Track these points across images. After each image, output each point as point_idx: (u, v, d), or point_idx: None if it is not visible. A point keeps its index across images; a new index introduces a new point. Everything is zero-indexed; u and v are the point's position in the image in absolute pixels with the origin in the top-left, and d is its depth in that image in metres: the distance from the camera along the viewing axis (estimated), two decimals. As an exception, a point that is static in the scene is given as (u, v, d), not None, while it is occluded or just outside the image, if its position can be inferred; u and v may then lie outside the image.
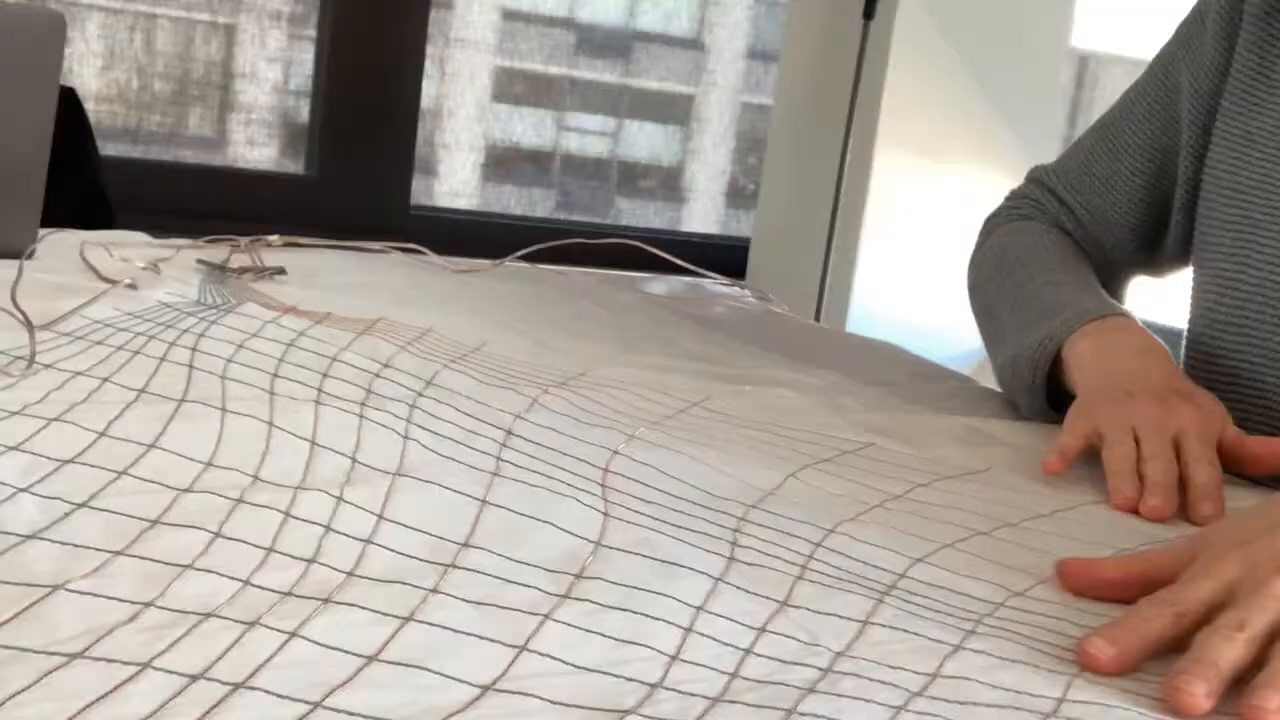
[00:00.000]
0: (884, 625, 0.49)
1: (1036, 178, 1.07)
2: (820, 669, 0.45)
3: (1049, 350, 0.85)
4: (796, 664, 0.45)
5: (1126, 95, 1.02)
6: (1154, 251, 1.00)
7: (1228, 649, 0.47)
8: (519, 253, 0.98)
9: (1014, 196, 1.09)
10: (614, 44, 3.12)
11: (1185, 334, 0.95)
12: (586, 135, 3.12)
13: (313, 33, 2.15)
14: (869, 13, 2.12)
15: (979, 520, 0.62)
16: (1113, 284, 1.02)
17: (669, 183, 3.12)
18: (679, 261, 1.05)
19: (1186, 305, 0.94)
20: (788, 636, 0.47)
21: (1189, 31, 0.97)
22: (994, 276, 1.00)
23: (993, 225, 1.08)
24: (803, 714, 0.41)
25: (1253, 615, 0.48)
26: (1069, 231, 1.02)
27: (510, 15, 2.82)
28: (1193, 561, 0.53)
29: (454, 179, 2.77)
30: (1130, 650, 0.48)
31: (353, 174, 1.95)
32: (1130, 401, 0.76)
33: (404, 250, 1.08)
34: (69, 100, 1.33)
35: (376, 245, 1.08)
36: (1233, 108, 0.90)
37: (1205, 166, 0.92)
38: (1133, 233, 1.00)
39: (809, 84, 2.30)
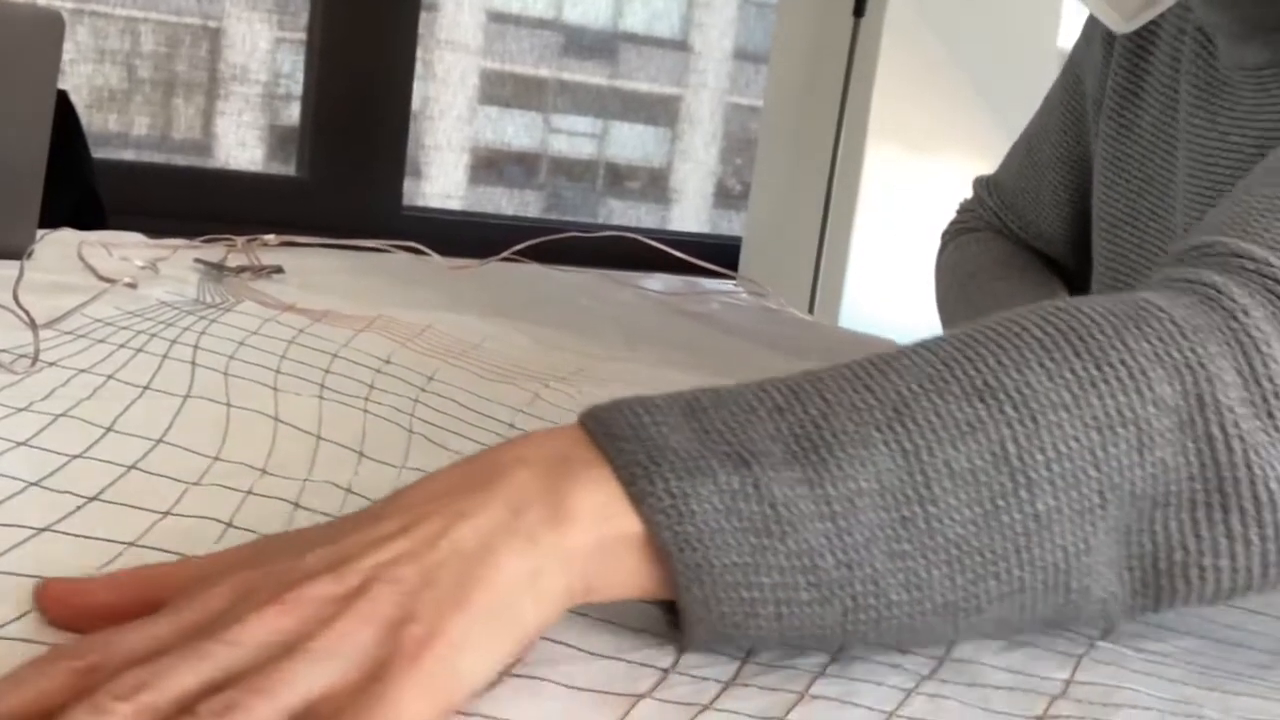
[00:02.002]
0: (892, 610, 0.49)
1: (977, 190, 1.06)
2: (830, 652, 0.45)
3: None
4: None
5: (1047, 99, 0.98)
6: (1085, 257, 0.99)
7: None
8: (515, 247, 0.98)
9: (962, 209, 1.08)
10: (601, 45, 3.12)
11: None
12: (574, 137, 3.13)
13: (301, 35, 2.16)
14: (859, 10, 2.13)
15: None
16: (1072, 280, 1.01)
17: (657, 184, 3.13)
18: (677, 254, 1.05)
19: None
20: (797, 622, 0.47)
21: (1087, 29, 0.92)
22: (952, 292, 1.01)
23: (945, 240, 1.08)
24: (815, 697, 0.42)
25: (164, 675, 0.34)
26: (1011, 239, 1.02)
27: (497, 17, 2.82)
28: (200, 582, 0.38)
29: (442, 181, 2.77)
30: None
31: (344, 176, 1.95)
32: None
33: (401, 248, 1.08)
34: (62, 102, 1.33)
35: (373, 243, 1.08)
36: (1106, 128, 0.85)
37: (1092, 189, 0.89)
38: (1068, 245, 0.97)
39: (800, 80, 2.30)
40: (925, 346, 0.45)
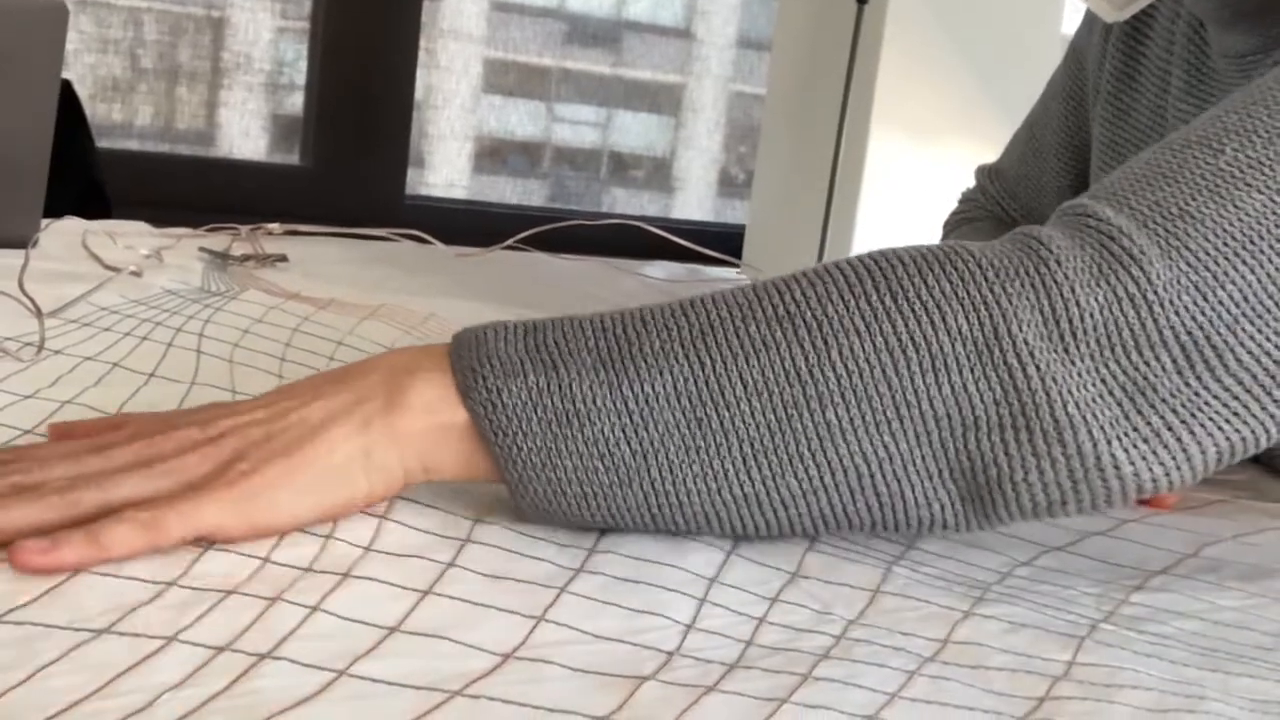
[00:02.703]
0: (894, 594, 0.50)
1: (979, 179, 1.06)
2: (834, 636, 0.45)
3: None
4: (810, 631, 0.45)
5: (1049, 86, 0.98)
6: None
7: None
8: (519, 235, 0.98)
9: (964, 199, 1.08)
10: (604, 34, 3.12)
11: None
12: (577, 125, 3.13)
13: (304, 24, 2.16)
14: (861, -2, 2.12)
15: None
16: None
17: (660, 172, 3.13)
18: (681, 241, 1.05)
19: None
20: (800, 605, 0.48)
21: (1089, 15, 0.92)
22: None
23: (945, 232, 1.08)
24: (818, 679, 0.42)
25: (44, 466, 0.46)
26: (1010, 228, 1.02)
27: (500, 6, 2.82)
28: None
29: (445, 170, 2.77)
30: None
31: (348, 165, 1.95)
32: None
33: (405, 237, 1.09)
34: (66, 92, 1.33)
35: (377, 232, 1.08)
36: (1103, 112, 0.85)
37: (1090, 171, 0.89)
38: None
39: (803, 67, 2.30)
40: (747, 286, 0.52)
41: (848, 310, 0.49)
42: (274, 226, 1.02)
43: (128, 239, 0.94)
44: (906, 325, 0.48)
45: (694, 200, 3.10)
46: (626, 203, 3.01)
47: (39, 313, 0.68)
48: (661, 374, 0.48)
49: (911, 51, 2.13)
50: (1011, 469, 0.48)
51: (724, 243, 1.21)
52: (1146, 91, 0.81)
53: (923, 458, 0.48)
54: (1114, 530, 0.60)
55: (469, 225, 1.47)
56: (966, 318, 0.48)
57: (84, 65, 2.11)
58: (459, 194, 2.66)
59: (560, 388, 0.49)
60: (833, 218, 2.15)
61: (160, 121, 2.23)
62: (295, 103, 2.25)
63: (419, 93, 2.26)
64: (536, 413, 0.48)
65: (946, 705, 0.41)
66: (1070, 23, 2.39)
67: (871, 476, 0.48)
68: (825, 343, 0.48)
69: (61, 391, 0.60)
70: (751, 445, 0.48)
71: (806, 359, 0.48)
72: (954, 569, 0.53)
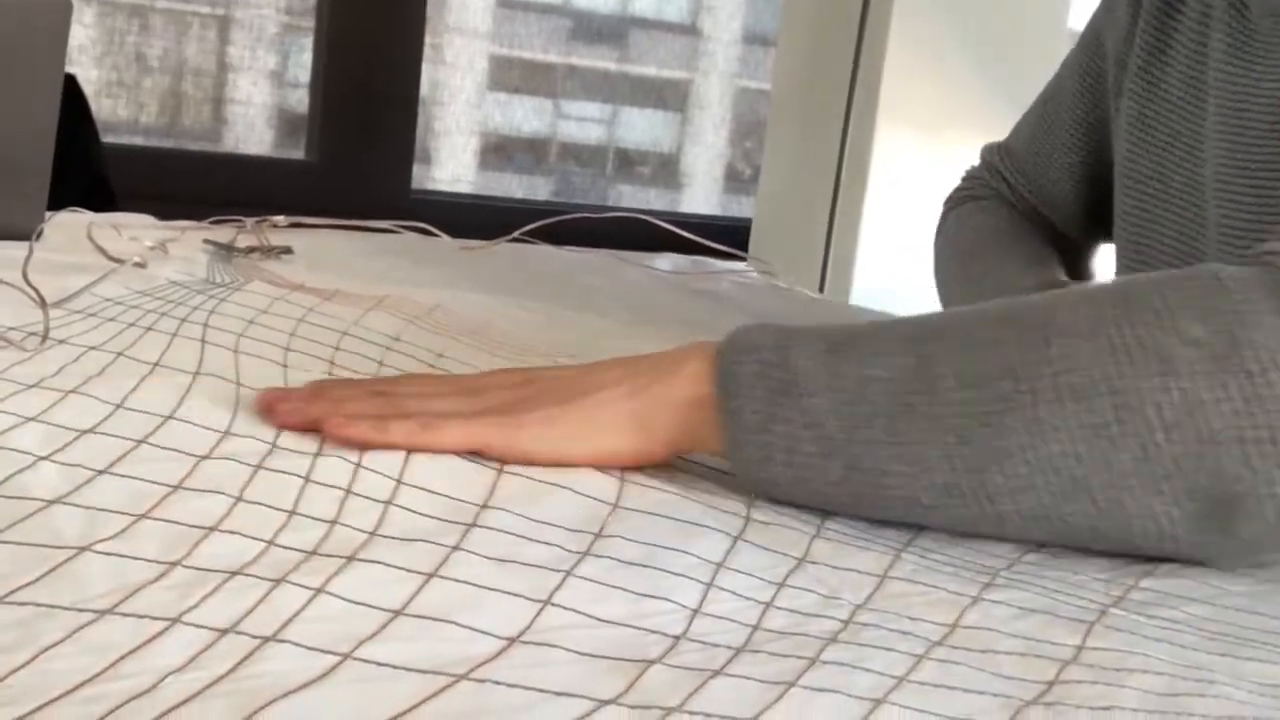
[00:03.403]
0: (902, 579, 0.49)
1: (986, 157, 1.05)
2: (841, 620, 0.45)
3: None
4: (817, 616, 0.45)
5: (1064, 63, 0.98)
6: (1108, 225, 0.97)
7: (364, 402, 0.56)
8: (525, 228, 0.98)
9: (968, 177, 1.07)
10: (610, 30, 3.12)
11: None
12: (583, 122, 3.13)
13: (308, 23, 2.16)
14: (867, -9, 2.11)
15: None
16: (1076, 255, 1.01)
17: (666, 168, 3.13)
18: (686, 234, 1.05)
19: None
20: (807, 590, 0.47)
21: None
22: (951, 263, 1.01)
23: (947, 209, 1.08)
24: (825, 662, 0.42)
25: (401, 386, 0.59)
26: (1016, 207, 1.01)
27: (505, 2, 2.82)
28: None
29: (451, 167, 2.77)
30: (292, 397, 0.57)
31: (353, 159, 1.95)
32: None
33: (410, 229, 1.08)
34: (70, 88, 1.33)
35: (383, 224, 1.08)
36: (1132, 86, 0.85)
37: (1114, 146, 0.89)
38: (1078, 208, 0.97)
39: (809, 62, 2.30)
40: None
41: (1074, 315, 0.49)
42: (279, 219, 1.02)
43: (132, 231, 0.94)
44: (1134, 329, 0.47)
45: (700, 196, 3.09)
46: (633, 199, 3.01)
47: (43, 303, 0.68)
48: (880, 361, 0.52)
49: (917, 46, 2.12)
50: (1256, 483, 0.46)
51: (730, 237, 1.21)
52: (1179, 63, 0.81)
53: (1147, 467, 0.47)
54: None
55: (474, 219, 1.47)
56: (1203, 323, 0.46)
57: (89, 61, 2.11)
58: (465, 190, 2.66)
59: (786, 361, 0.53)
60: (839, 212, 2.15)
61: (166, 119, 2.23)
62: (301, 99, 2.25)
63: (424, 89, 2.25)
64: (761, 381, 0.53)
65: (954, 689, 0.41)
66: (1076, 17, 2.38)
67: (1086, 480, 0.48)
68: (1045, 341, 0.48)
69: (65, 381, 0.59)
70: (957, 435, 0.49)
71: (1023, 355, 0.48)
72: (962, 555, 0.53)
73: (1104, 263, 1.07)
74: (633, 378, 0.56)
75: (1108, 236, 0.98)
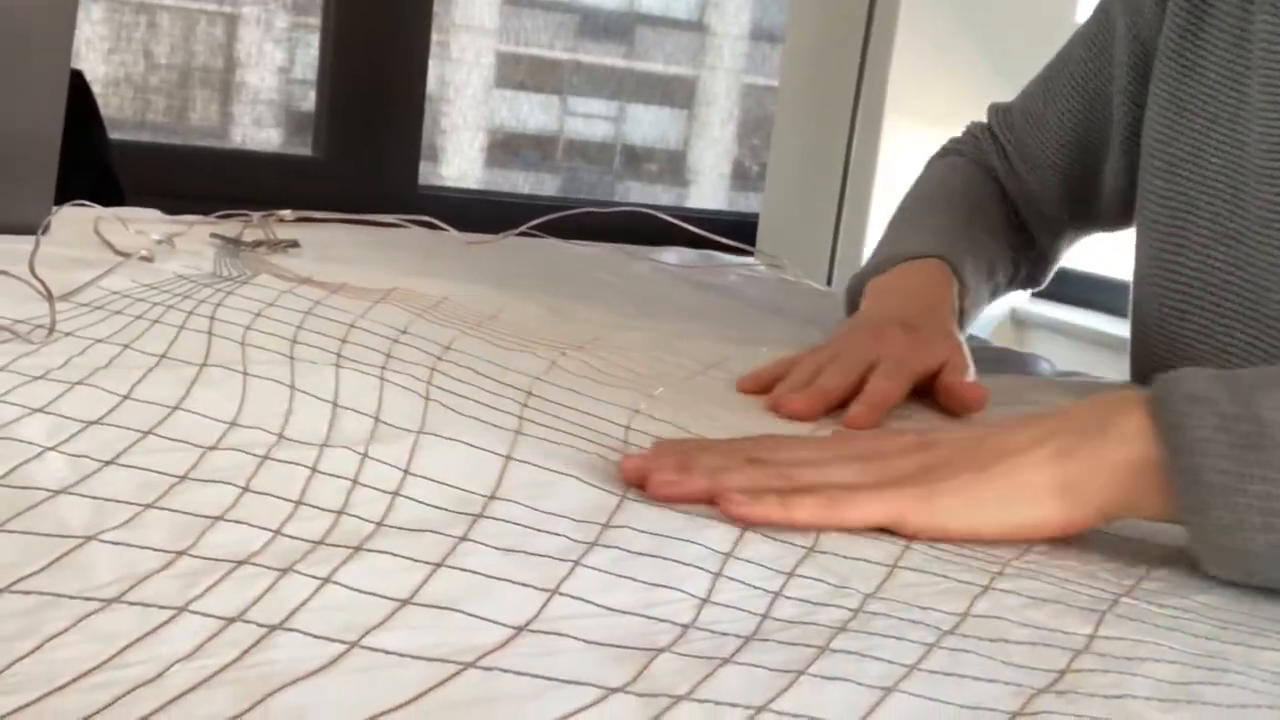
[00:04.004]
0: (912, 569, 0.49)
1: (989, 115, 1.05)
2: (851, 609, 0.45)
3: (857, 285, 0.89)
4: (827, 605, 0.45)
5: (1074, 34, 0.97)
6: (1085, 202, 0.96)
7: (745, 473, 0.52)
8: (532, 222, 0.98)
9: (966, 131, 1.07)
10: (617, 26, 3.11)
11: (1131, 303, 0.91)
12: (590, 119, 3.12)
13: (315, 20, 2.15)
14: (875, -14, 2.11)
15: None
16: (1048, 238, 1.00)
17: (673, 165, 3.12)
18: (693, 229, 1.04)
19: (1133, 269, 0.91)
20: (817, 580, 0.47)
21: None
22: (898, 210, 1.01)
23: (932, 158, 1.07)
24: (835, 651, 0.41)
25: (785, 452, 0.55)
26: (995, 170, 1.00)
27: (512, -1, 2.81)
28: None
29: (458, 164, 2.76)
30: (662, 462, 0.53)
31: (360, 155, 1.95)
32: (860, 333, 0.78)
33: (418, 224, 1.08)
34: (77, 82, 1.32)
35: (390, 218, 1.08)
36: (1165, 69, 0.85)
37: (1143, 129, 0.87)
38: (1058, 175, 0.95)
39: (816, 58, 2.29)
40: None
41: None
42: (285, 213, 1.02)
43: (139, 225, 0.94)
44: None
45: (707, 192, 3.09)
46: (640, 195, 3.01)
47: (50, 296, 0.68)
48: None
49: (925, 41, 2.12)
50: None
51: (737, 232, 1.21)
52: (1217, 45, 0.80)
53: None
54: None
55: (481, 215, 1.46)
56: None
57: (97, 59, 2.11)
58: (471, 186, 2.66)
59: (1252, 412, 0.48)
60: (846, 208, 2.15)
61: (173, 114, 2.23)
62: (307, 95, 2.24)
63: (431, 86, 2.25)
64: (1223, 436, 0.48)
65: (965, 677, 0.40)
66: (1084, 12, 2.37)
67: None
68: None
69: (72, 373, 0.59)
70: None
71: None
72: (973, 545, 0.52)
73: (1087, 250, 1.07)
74: (1054, 438, 0.51)
75: (1079, 214, 0.98)
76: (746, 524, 0.49)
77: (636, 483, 0.52)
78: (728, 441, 0.57)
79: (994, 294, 0.95)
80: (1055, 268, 1.04)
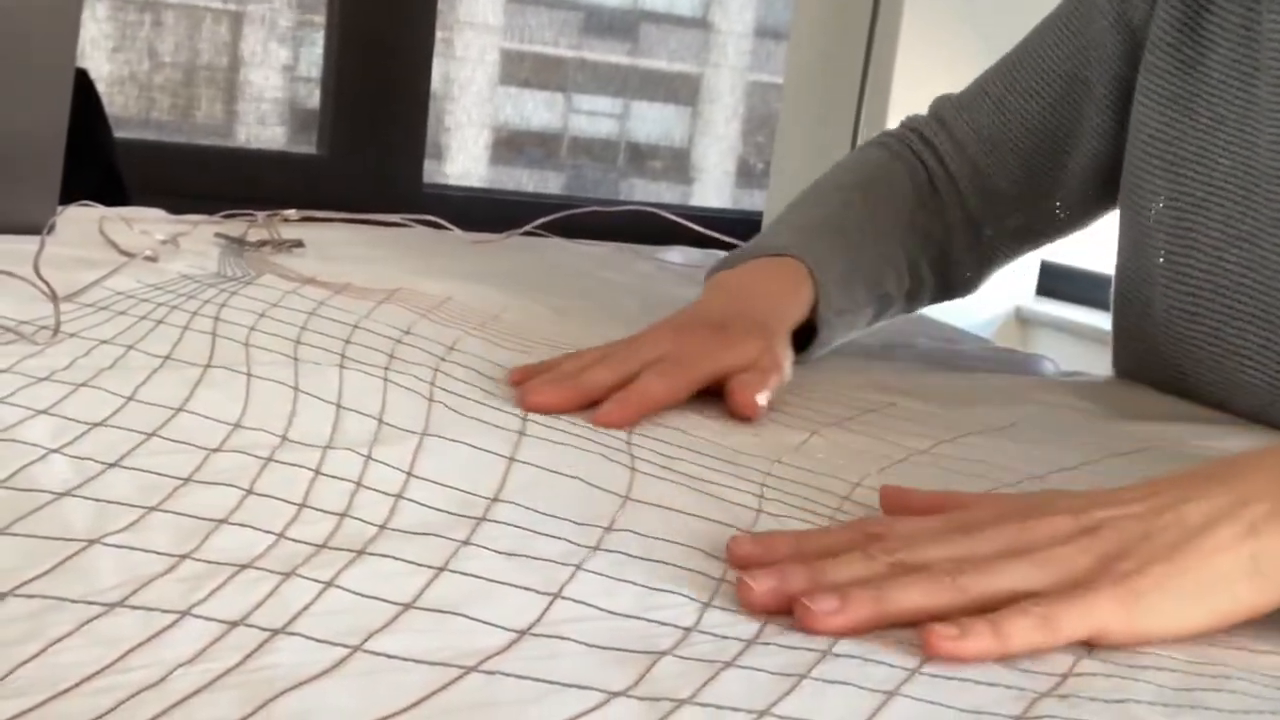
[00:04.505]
0: (914, 572, 0.49)
1: (934, 105, 0.99)
2: (853, 613, 0.45)
3: (708, 277, 0.84)
4: (829, 609, 0.45)
5: (1042, 21, 0.94)
6: (1045, 192, 0.91)
7: (856, 567, 0.45)
8: (536, 222, 0.98)
9: (902, 124, 0.99)
10: (621, 24, 3.11)
11: (1113, 296, 0.89)
12: (594, 116, 3.12)
13: (319, 18, 2.16)
14: (879, -15, 2.11)
15: (1004, 473, 0.62)
16: (991, 236, 0.92)
17: (678, 162, 3.13)
18: (698, 228, 1.04)
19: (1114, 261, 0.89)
20: (819, 583, 0.47)
21: None
22: (812, 188, 0.94)
23: (860, 147, 1.00)
24: (838, 655, 0.41)
25: (918, 545, 0.46)
26: (925, 164, 0.93)
27: (516, -4, 2.82)
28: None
29: (462, 161, 2.77)
30: (776, 554, 0.46)
31: (365, 154, 1.95)
32: (661, 329, 0.72)
33: (421, 223, 1.08)
34: (82, 82, 1.33)
35: (394, 218, 1.08)
36: (1159, 63, 0.83)
37: (1132, 121, 0.85)
38: (1019, 159, 0.90)
39: (820, 56, 2.29)
40: None
41: None
42: (290, 213, 1.02)
43: (143, 225, 0.94)
44: None
45: (712, 190, 3.09)
46: (644, 193, 3.01)
47: (54, 296, 0.68)
48: None
49: (929, 39, 2.12)
50: None
51: (742, 230, 1.21)
52: (1221, 45, 0.79)
53: None
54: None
55: (486, 213, 1.47)
56: None
57: (101, 56, 2.11)
58: (476, 185, 2.66)
59: None
60: (851, 206, 2.14)
61: (178, 113, 2.24)
62: (312, 93, 2.25)
63: (435, 84, 2.25)
64: None
65: (967, 681, 0.40)
66: (1090, 8, 2.36)
67: None
68: None
69: (76, 374, 0.59)
70: None
71: None
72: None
73: (1093, 248, 1.04)
74: (1240, 511, 0.46)
75: (1036, 215, 0.92)
76: (954, 661, 0.42)
77: (774, 609, 0.44)
78: (844, 532, 0.48)
79: (884, 304, 0.87)
80: (986, 276, 0.96)
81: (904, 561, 0.45)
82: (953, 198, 0.92)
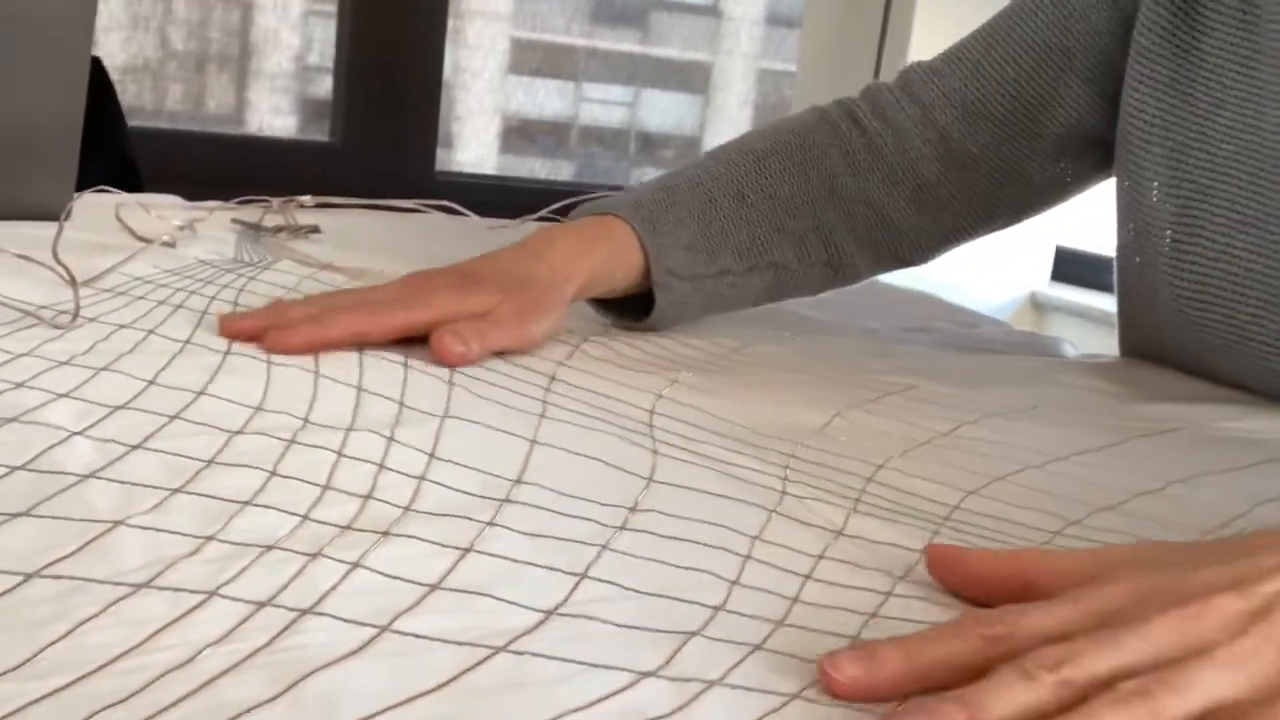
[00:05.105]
0: (941, 553, 0.49)
1: (903, 70, 0.94)
2: (883, 593, 0.44)
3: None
4: (858, 589, 0.45)
5: None
6: (1017, 160, 0.88)
7: (1018, 692, 0.36)
8: (554, 205, 0.98)
9: (863, 90, 0.94)
10: (631, 12, 3.11)
11: (1116, 280, 0.88)
12: (605, 104, 3.12)
13: (329, 6, 2.15)
14: (891, -29, 2.10)
15: (1028, 454, 0.62)
16: (954, 206, 0.89)
17: (688, 151, 3.12)
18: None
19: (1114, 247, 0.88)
20: (846, 563, 0.47)
21: None
22: (741, 139, 0.90)
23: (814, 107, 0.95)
24: (868, 637, 0.41)
25: (1083, 655, 0.37)
26: (865, 128, 0.89)
27: (526, -16, 2.81)
28: (1087, 576, 0.42)
29: (474, 149, 2.76)
30: (884, 672, 0.38)
31: (377, 142, 1.95)
32: (418, 275, 0.73)
33: (438, 208, 1.08)
34: (95, 70, 1.32)
35: (410, 203, 1.07)
36: (1152, 47, 0.82)
37: (1122, 105, 0.84)
38: (993, 125, 0.87)
39: (833, 43, 2.28)
40: None
41: None
42: (306, 199, 1.02)
43: (160, 211, 0.94)
44: None
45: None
46: (654, 181, 3.00)
47: (73, 281, 0.68)
48: None
49: (944, 26, 2.10)
50: None
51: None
52: (1218, 30, 0.78)
53: None
54: (1162, 490, 0.59)
55: (498, 200, 1.46)
56: None
57: (114, 44, 2.11)
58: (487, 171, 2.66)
59: None
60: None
61: (190, 102, 2.23)
62: (323, 84, 2.24)
63: (445, 72, 2.25)
64: None
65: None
66: None
67: None
68: None
69: (96, 358, 0.59)
70: None
71: None
72: (1001, 530, 0.52)
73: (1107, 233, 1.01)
74: None
75: (1006, 187, 0.90)
76: None
77: None
78: (955, 637, 0.39)
79: (779, 273, 0.85)
80: (945, 246, 0.92)
81: (1071, 681, 0.36)
82: (904, 165, 0.88)
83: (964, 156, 0.88)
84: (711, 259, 0.81)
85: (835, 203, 0.86)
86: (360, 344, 0.65)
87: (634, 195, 0.82)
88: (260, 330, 0.64)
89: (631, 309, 0.81)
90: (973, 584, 0.45)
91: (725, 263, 0.82)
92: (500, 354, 0.68)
